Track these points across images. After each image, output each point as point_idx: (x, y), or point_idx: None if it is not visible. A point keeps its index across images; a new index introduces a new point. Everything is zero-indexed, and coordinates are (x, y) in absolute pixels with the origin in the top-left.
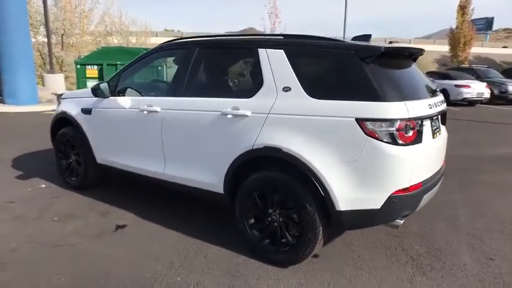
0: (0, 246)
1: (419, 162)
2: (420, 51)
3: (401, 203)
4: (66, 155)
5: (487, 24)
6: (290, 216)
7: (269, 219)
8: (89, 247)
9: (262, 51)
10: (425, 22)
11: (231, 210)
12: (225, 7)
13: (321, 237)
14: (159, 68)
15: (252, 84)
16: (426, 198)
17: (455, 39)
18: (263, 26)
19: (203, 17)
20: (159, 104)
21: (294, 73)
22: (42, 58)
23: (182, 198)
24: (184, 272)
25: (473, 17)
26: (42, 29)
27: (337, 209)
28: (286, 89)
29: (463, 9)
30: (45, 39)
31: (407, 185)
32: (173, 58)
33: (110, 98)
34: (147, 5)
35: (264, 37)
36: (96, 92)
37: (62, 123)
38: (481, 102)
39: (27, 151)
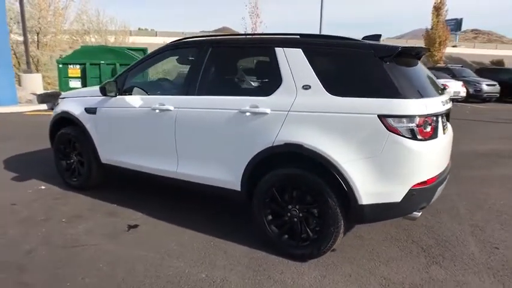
0: (14, 249)
1: (435, 157)
2: (426, 50)
3: (419, 196)
4: (67, 155)
5: (456, 25)
6: (310, 211)
7: (288, 214)
8: (107, 247)
9: (279, 50)
10: (397, 23)
11: (244, 207)
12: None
13: (342, 230)
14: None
15: (269, 82)
16: (439, 191)
17: (430, 39)
18: (244, 25)
19: (178, 16)
20: (173, 102)
21: (313, 71)
22: (16, 57)
23: (190, 197)
24: (207, 269)
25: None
26: (15, 28)
27: (360, 203)
28: (306, 87)
29: (437, 10)
30: (19, 38)
31: (425, 179)
32: (176, 57)
33: (118, 97)
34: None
35: (280, 36)
36: (105, 90)
37: (62, 123)
38: (457, 100)
39: (17, 152)
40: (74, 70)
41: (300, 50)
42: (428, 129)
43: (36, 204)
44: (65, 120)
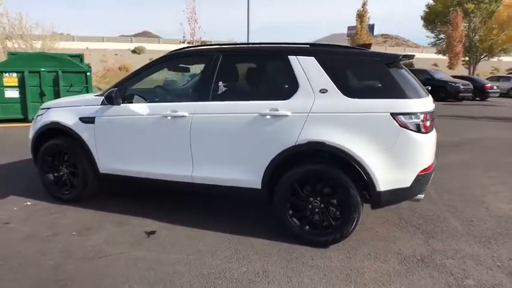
0: (39, 266)
1: (432, 147)
2: (412, 57)
3: (423, 180)
4: (55, 168)
5: (369, 29)
6: (331, 201)
7: (310, 206)
8: (135, 254)
9: (293, 58)
10: (313, 28)
11: (254, 203)
12: (120, 11)
13: (361, 216)
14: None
15: (286, 87)
16: (432, 177)
17: (355, 44)
18: (182, 31)
19: (95, 20)
20: (187, 109)
21: (328, 77)
22: None
23: (192, 199)
24: (245, 263)
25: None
26: None
27: (378, 190)
28: (323, 91)
29: (361, 17)
30: None
31: (427, 165)
32: (174, 66)
33: (122, 105)
34: (40, 7)
35: (291, 45)
36: (112, 99)
37: (49, 134)
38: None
39: None
40: (10, 79)
41: (313, 58)
42: (428, 123)
43: (32, 221)
44: (52, 131)
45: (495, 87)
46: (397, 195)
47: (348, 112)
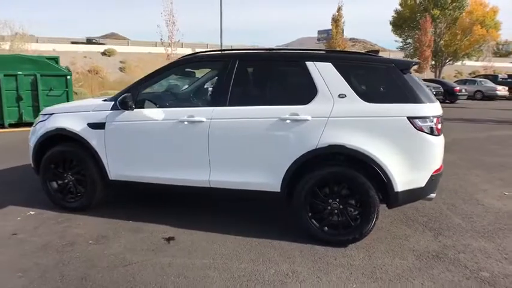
0: (62, 276)
1: (442, 149)
2: (419, 63)
3: (435, 180)
4: (59, 175)
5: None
6: (349, 202)
7: (329, 208)
8: (161, 261)
9: (310, 64)
10: (284, 31)
11: (266, 206)
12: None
13: (379, 215)
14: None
15: (304, 92)
16: None
17: (331, 48)
18: (160, 33)
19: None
20: (204, 114)
21: (345, 82)
22: None
23: (201, 204)
24: (272, 265)
25: (321, 28)
26: None
27: (396, 190)
28: (342, 96)
29: (336, 21)
30: None
31: (439, 166)
32: (186, 70)
33: (135, 110)
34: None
35: (307, 51)
36: (126, 104)
37: (53, 141)
38: None
39: None
40: None
41: (330, 63)
42: (439, 126)
43: (42, 231)
44: (57, 138)
45: (463, 90)
46: (413, 195)
47: (366, 116)
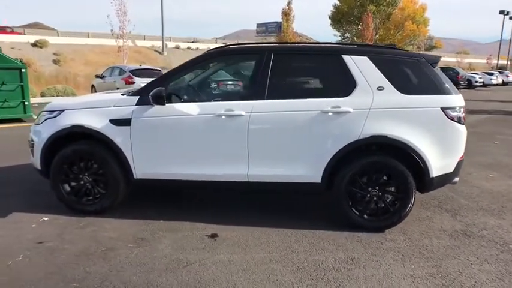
0: (124, 284)
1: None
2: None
3: (460, 165)
4: (73, 176)
5: (277, 27)
6: (388, 189)
7: (368, 195)
8: (219, 258)
9: (347, 58)
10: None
11: (289, 197)
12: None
13: (415, 200)
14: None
15: (343, 85)
16: None
17: (282, 41)
18: (110, 24)
19: None
20: (243, 107)
21: (382, 75)
22: None
23: (226, 197)
24: (328, 254)
25: (266, 20)
26: None
27: (431, 176)
28: (380, 88)
29: (286, 15)
30: None
31: (463, 152)
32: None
33: (167, 105)
34: None
35: (342, 45)
36: (161, 99)
37: (66, 140)
38: None
39: None
40: None
41: (366, 57)
42: (464, 115)
43: (69, 237)
44: (71, 136)
45: None
46: (444, 180)
47: (404, 107)
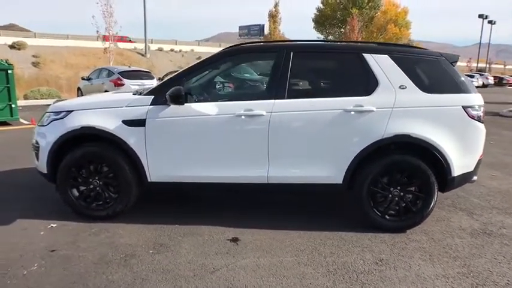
0: None
1: None
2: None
3: (479, 164)
4: (82, 180)
5: (259, 30)
6: (410, 189)
7: (390, 196)
8: (245, 263)
9: (368, 56)
10: (202, 27)
11: (304, 198)
12: None
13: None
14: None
15: (365, 84)
16: None
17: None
18: (95, 25)
19: None
20: (263, 107)
21: (404, 74)
22: None
23: (237, 200)
24: (355, 256)
25: (248, 23)
26: None
27: (453, 175)
28: (403, 87)
29: (273, 17)
30: None
31: (482, 151)
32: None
33: (186, 105)
34: None
35: (362, 44)
36: (180, 98)
37: (74, 142)
38: None
39: None
40: None
41: (387, 56)
42: (483, 114)
43: (84, 245)
44: (81, 138)
45: None
46: (464, 179)
47: (427, 106)
